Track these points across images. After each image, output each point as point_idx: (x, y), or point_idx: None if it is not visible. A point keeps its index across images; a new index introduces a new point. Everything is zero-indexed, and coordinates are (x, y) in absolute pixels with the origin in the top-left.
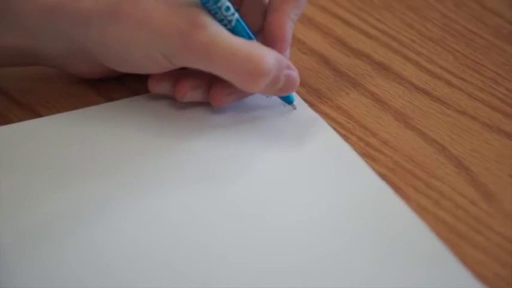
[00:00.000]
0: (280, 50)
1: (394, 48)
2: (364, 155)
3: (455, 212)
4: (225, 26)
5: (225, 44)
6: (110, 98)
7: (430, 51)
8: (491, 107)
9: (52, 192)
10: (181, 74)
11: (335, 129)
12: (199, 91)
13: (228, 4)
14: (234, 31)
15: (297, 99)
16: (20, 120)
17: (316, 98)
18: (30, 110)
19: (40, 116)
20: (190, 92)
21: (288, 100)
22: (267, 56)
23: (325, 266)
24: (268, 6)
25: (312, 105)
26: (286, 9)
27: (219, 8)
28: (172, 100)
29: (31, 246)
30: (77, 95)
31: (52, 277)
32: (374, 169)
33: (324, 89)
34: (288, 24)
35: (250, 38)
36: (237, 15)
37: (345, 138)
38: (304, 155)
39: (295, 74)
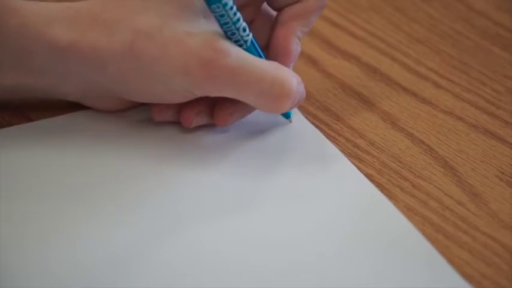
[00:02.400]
0: (284, 65)
1: (382, 50)
2: (352, 156)
3: (442, 212)
4: (240, 46)
5: (250, 68)
6: None
7: (417, 52)
8: (477, 107)
9: (42, 196)
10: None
11: (323, 130)
12: (204, 115)
13: (245, 25)
14: (247, 51)
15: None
16: (10, 124)
17: (304, 100)
18: (21, 114)
19: (30, 120)
20: (196, 117)
21: (286, 114)
22: (292, 77)
23: (316, 268)
24: (274, 20)
25: (299, 106)
26: (293, 25)
27: (237, 29)
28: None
29: (22, 247)
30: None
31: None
32: (361, 170)
33: (311, 91)
34: (293, 39)
35: (261, 56)
36: (251, 35)
37: (333, 139)
38: (296, 164)
39: (303, 88)
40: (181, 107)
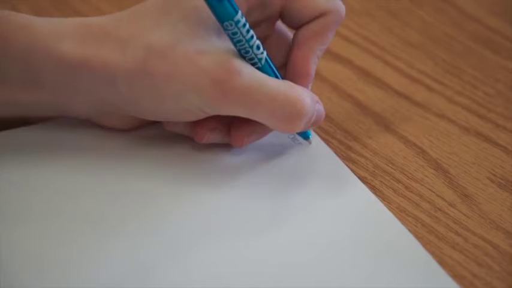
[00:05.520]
0: (303, 86)
1: (375, 53)
2: (345, 158)
3: (434, 214)
4: (254, 64)
5: (263, 88)
6: None
7: (410, 56)
8: (469, 110)
9: (37, 200)
10: None
11: (316, 133)
12: (218, 133)
13: (259, 42)
14: (262, 69)
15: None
16: (7, 128)
17: None
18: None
19: (28, 123)
20: (209, 133)
21: (305, 135)
22: (305, 97)
23: (314, 270)
24: (292, 40)
25: None
26: (312, 45)
27: (251, 47)
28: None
29: (20, 246)
30: None
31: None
32: (354, 172)
33: None
34: (313, 60)
35: (276, 75)
36: (265, 53)
37: (326, 142)
38: (301, 179)
39: (322, 108)
40: (195, 122)
